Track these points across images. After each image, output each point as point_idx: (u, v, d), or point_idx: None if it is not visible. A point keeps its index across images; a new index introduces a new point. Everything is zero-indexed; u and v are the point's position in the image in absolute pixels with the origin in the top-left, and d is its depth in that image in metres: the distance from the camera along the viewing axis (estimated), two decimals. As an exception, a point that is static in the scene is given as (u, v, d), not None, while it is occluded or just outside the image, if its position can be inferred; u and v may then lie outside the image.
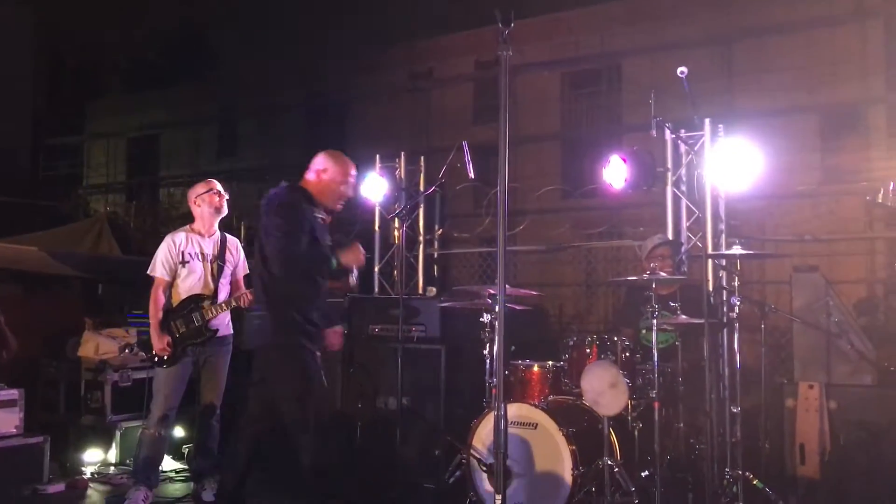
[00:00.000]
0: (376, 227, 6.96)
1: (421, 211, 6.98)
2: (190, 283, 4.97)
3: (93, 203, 18.21)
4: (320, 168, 4.35)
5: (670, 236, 5.61)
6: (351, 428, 5.51)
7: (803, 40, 13.04)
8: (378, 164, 6.89)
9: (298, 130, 17.71)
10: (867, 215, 12.00)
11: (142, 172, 20.47)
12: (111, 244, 9.59)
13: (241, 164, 17.95)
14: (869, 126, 13.25)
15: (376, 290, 6.86)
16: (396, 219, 6.55)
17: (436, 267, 7.24)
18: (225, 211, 5.16)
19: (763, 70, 13.27)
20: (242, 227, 9.31)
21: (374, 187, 6.69)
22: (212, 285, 5.00)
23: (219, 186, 5.15)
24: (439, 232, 7.29)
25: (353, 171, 4.51)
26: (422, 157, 7.06)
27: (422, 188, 6.91)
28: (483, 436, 4.51)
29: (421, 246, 6.97)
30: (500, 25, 2.24)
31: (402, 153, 6.94)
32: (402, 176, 6.88)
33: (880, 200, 3.09)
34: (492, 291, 4.78)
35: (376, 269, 6.90)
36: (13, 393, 5.37)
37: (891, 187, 3.08)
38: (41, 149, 20.96)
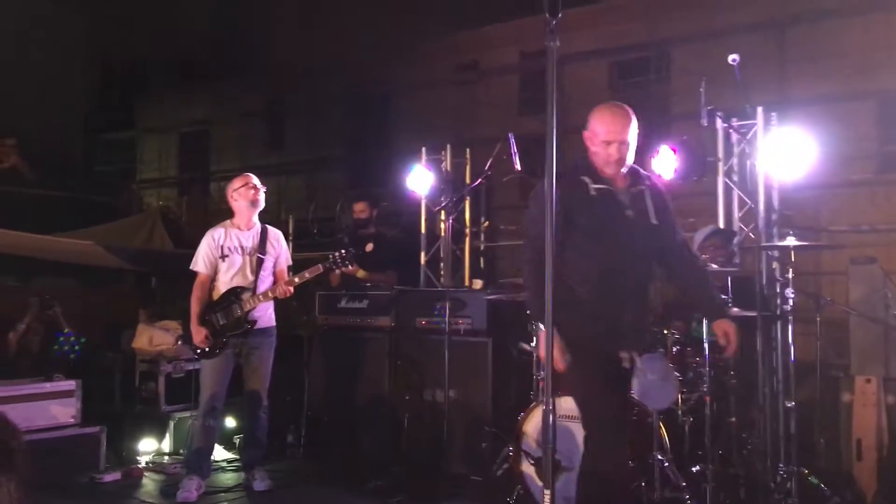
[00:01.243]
0: (422, 220, 6.96)
1: (467, 203, 6.97)
2: (230, 275, 5.06)
3: (146, 198, 18.58)
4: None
5: (722, 227, 5.51)
6: (399, 420, 5.54)
7: (859, 24, 12.62)
8: (424, 157, 6.90)
9: (344, 123, 17.81)
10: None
11: (193, 167, 20.81)
12: (164, 238, 9.78)
13: (288, 157, 18.12)
14: (929, 112, 12.80)
15: (422, 282, 6.87)
16: (442, 212, 6.56)
17: (482, 259, 7.23)
18: (261, 204, 5.21)
19: (817, 56, 12.90)
20: (291, 220, 9.41)
21: (420, 180, 6.70)
22: (251, 277, 5.07)
23: (255, 180, 5.21)
24: (485, 224, 7.28)
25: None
26: (467, 150, 7.04)
27: (468, 181, 6.90)
28: (530, 429, 4.49)
29: (467, 238, 6.96)
30: (546, 16, 2.20)
31: (448, 145, 6.93)
32: (448, 168, 6.87)
33: None
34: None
35: (422, 261, 6.91)
36: (70, 384, 5.52)
37: None
38: (95, 145, 21.42)
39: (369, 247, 6.39)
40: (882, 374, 4.51)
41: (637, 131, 3.42)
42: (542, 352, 3.30)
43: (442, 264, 6.79)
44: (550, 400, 2.39)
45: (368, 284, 6.15)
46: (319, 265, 5.03)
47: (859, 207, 10.78)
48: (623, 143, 3.37)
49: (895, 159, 12.66)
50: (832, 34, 12.93)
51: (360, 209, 6.70)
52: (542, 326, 3.45)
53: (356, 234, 6.57)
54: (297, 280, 5.00)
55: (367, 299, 6.03)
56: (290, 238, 9.09)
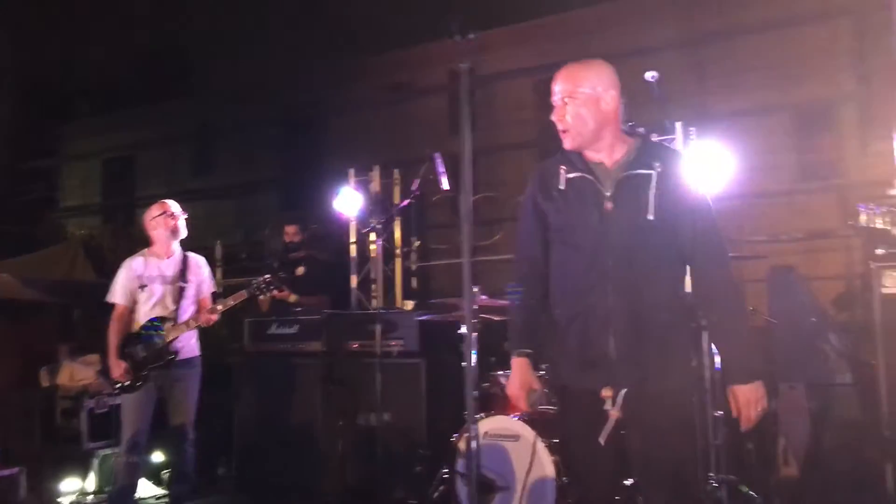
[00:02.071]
0: (352, 242, 6.90)
1: (397, 224, 6.94)
2: (150, 306, 4.91)
3: (69, 227, 18.01)
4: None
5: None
6: (333, 446, 5.44)
7: (773, 39, 13.11)
8: (352, 178, 6.85)
9: (275, 145, 17.61)
10: (842, 212, 12.10)
11: (118, 194, 20.30)
12: (86, 268, 9.47)
13: (218, 181, 17.82)
14: (841, 123, 13.33)
15: (354, 304, 6.80)
16: (372, 233, 6.52)
17: (415, 279, 7.19)
18: (182, 232, 5.08)
19: (734, 71, 13.33)
20: (218, 246, 9.20)
21: (348, 202, 6.64)
22: (172, 306, 4.93)
23: (173, 207, 5.09)
24: (417, 244, 7.25)
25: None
26: (395, 170, 7.02)
27: (397, 200, 6.87)
28: (465, 450, 4.45)
29: (398, 259, 6.93)
30: (457, 38, 2.20)
31: (377, 166, 6.90)
32: (377, 189, 6.84)
33: (862, 223, 3.08)
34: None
35: (353, 284, 6.84)
36: (-15, 425, 5.27)
37: (869, 207, 3.08)
38: (15, 173, 20.71)
39: (300, 270, 6.29)
40: (806, 381, 4.63)
41: (601, 80, 2.71)
42: (510, 388, 2.89)
43: (373, 286, 6.73)
44: (475, 428, 2.36)
45: (300, 309, 6.05)
46: (243, 291, 4.94)
47: (779, 216, 11.15)
48: (561, 104, 2.70)
49: (811, 169, 13.15)
50: (748, 50, 13.39)
51: (292, 232, 6.61)
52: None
53: (287, 257, 6.48)
54: (220, 308, 4.88)
55: (297, 324, 5.92)
56: (219, 264, 8.91)
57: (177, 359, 4.87)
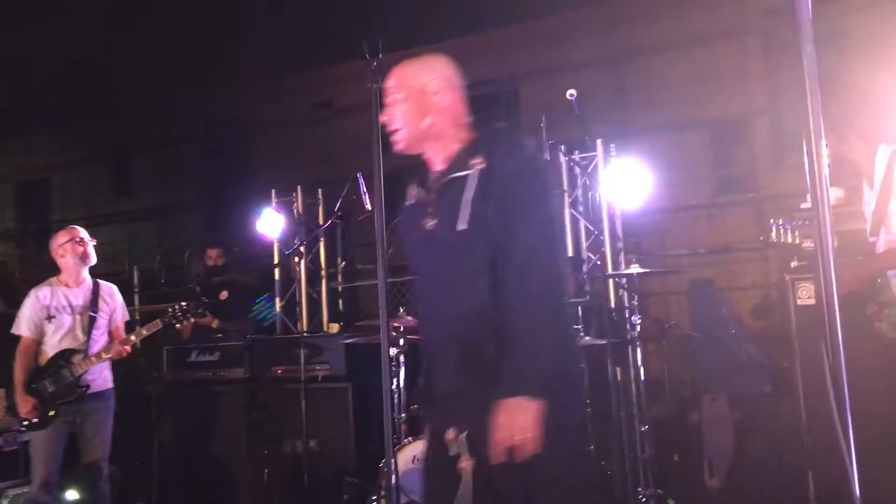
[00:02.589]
0: (276, 264, 6.76)
1: (322, 244, 6.83)
2: (58, 337, 4.69)
3: (-21, 253, 17.22)
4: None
5: (570, 255, 5.65)
6: (258, 476, 5.29)
7: (689, 56, 13.49)
8: (274, 199, 6.72)
9: (197, 166, 17.23)
10: (758, 224, 12.50)
11: (32, 218, 19.53)
12: (-6, 297, 9.03)
13: (137, 203, 17.32)
14: (754, 137, 13.80)
15: (278, 329, 6.65)
16: (296, 255, 6.39)
17: (341, 301, 7.08)
18: (92, 259, 4.86)
19: (653, 88, 13.66)
20: (135, 271, 8.89)
21: (271, 223, 6.51)
22: (82, 338, 4.72)
23: (82, 233, 4.87)
24: (342, 265, 7.15)
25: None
26: (319, 190, 6.92)
27: (321, 221, 6.77)
28: (388, 479, 4.36)
29: (324, 280, 6.81)
30: (367, 57, 2.15)
31: (299, 187, 6.79)
32: (300, 210, 6.72)
33: (773, 239, 3.15)
34: (396, 325, 4.68)
35: (277, 307, 6.69)
36: None
37: (779, 223, 3.16)
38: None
39: (224, 295, 6.14)
40: (727, 392, 4.71)
41: (430, 74, 2.42)
42: None
43: (298, 309, 6.60)
44: (392, 462, 2.30)
45: (221, 335, 5.88)
46: (158, 320, 4.75)
47: (698, 230, 11.43)
48: (390, 104, 2.43)
49: (728, 183, 13.55)
50: (665, 67, 13.75)
51: (214, 256, 6.43)
52: None
53: (209, 282, 6.29)
54: (133, 339, 4.68)
55: (218, 351, 5.75)
56: (137, 290, 8.62)
57: (88, 392, 4.65)
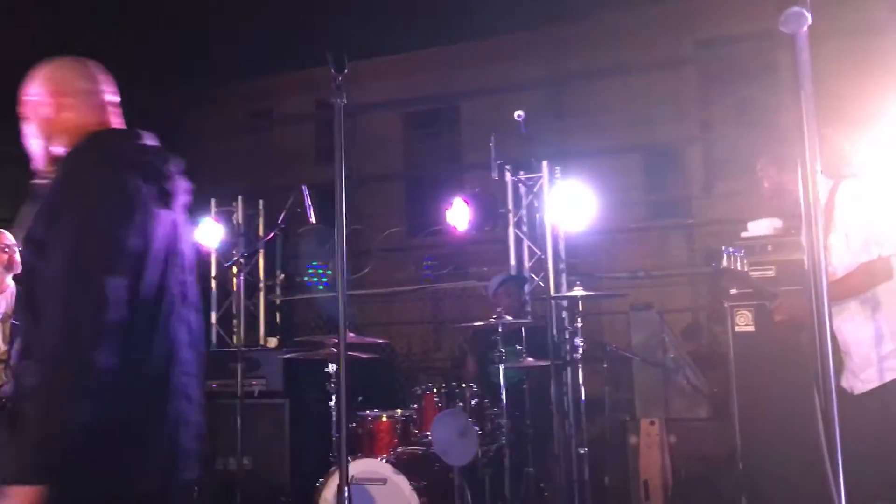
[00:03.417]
0: (213, 275, 6.59)
1: (261, 255, 6.70)
2: None
3: None
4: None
5: (513, 274, 5.67)
6: (188, 494, 5.12)
7: (626, 83, 13.80)
8: (213, 208, 6.56)
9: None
10: (689, 249, 12.83)
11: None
12: None
13: (63, 206, 16.70)
14: (686, 164, 14.17)
15: (214, 342, 6.48)
16: (234, 266, 6.25)
17: (279, 315, 6.95)
18: (18, 266, 4.64)
19: (591, 111, 13.91)
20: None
21: (210, 233, 6.35)
22: (3, 346, 4.50)
23: (8, 239, 4.66)
24: (281, 277, 7.02)
25: None
26: (260, 201, 6.79)
27: (261, 232, 6.64)
28: (329, 496, 4.28)
29: (262, 293, 6.67)
30: (332, 72, 2.12)
31: (240, 196, 6.65)
32: (240, 220, 6.58)
33: (725, 265, 3.21)
34: (335, 340, 4.60)
35: (213, 319, 6.52)
36: None
37: (730, 250, 3.21)
38: None
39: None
40: (664, 416, 4.78)
41: (43, 83, 2.07)
42: None
43: (235, 321, 6.44)
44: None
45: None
46: None
47: (634, 252, 11.65)
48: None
49: (661, 208, 13.88)
50: (603, 91, 14.03)
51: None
52: None
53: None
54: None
55: (150, 363, 5.56)
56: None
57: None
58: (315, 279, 5.82)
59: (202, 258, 6.60)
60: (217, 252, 6.53)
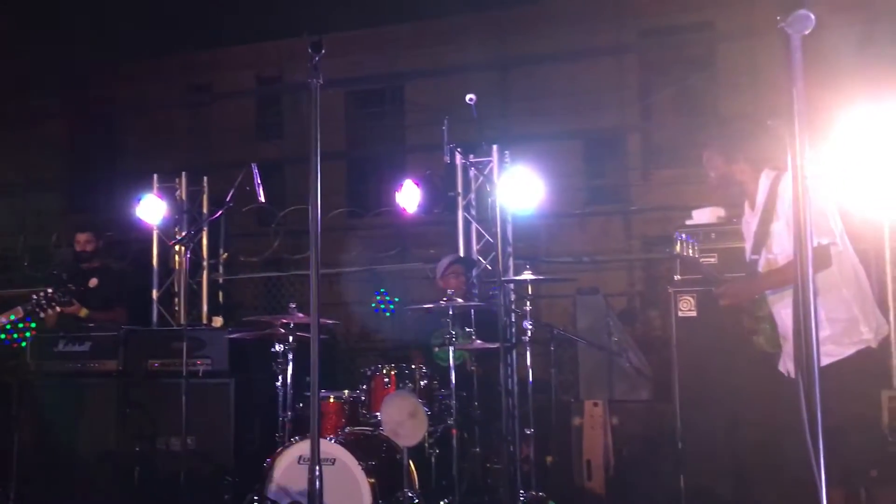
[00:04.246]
0: (155, 252, 6.46)
1: (204, 233, 6.59)
2: None
3: None
4: None
5: (462, 255, 5.70)
6: (128, 474, 5.04)
7: (570, 69, 13.94)
8: (156, 184, 6.42)
9: (61, 141, 16.19)
10: (626, 234, 13.09)
11: None
12: None
13: (-8, 179, 16.06)
14: (627, 152, 14.41)
15: (155, 320, 6.36)
16: (177, 244, 6.13)
17: (221, 293, 6.86)
18: None
19: (535, 96, 14.01)
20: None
21: (152, 209, 6.21)
22: None
23: None
24: (224, 256, 6.92)
25: None
26: (205, 177, 6.66)
27: (205, 209, 6.53)
28: (276, 475, 4.27)
29: (205, 271, 6.57)
30: (309, 51, 2.10)
31: (184, 173, 6.51)
32: (184, 197, 6.45)
33: (678, 251, 3.28)
34: (285, 321, 4.58)
35: (155, 297, 6.40)
36: None
37: (682, 237, 3.29)
38: None
39: (93, 282, 5.77)
40: (607, 397, 4.90)
41: None
42: None
43: (177, 300, 6.33)
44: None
45: (92, 325, 5.56)
46: (19, 308, 4.43)
47: (575, 237, 11.84)
48: None
49: (600, 194, 14.11)
50: (547, 77, 14.15)
51: (83, 240, 6.03)
52: None
53: (78, 268, 5.92)
54: (-10, 326, 4.34)
55: (89, 341, 5.44)
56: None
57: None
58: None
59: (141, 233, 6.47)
60: (159, 229, 6.39)
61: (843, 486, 3.36)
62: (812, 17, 1.28)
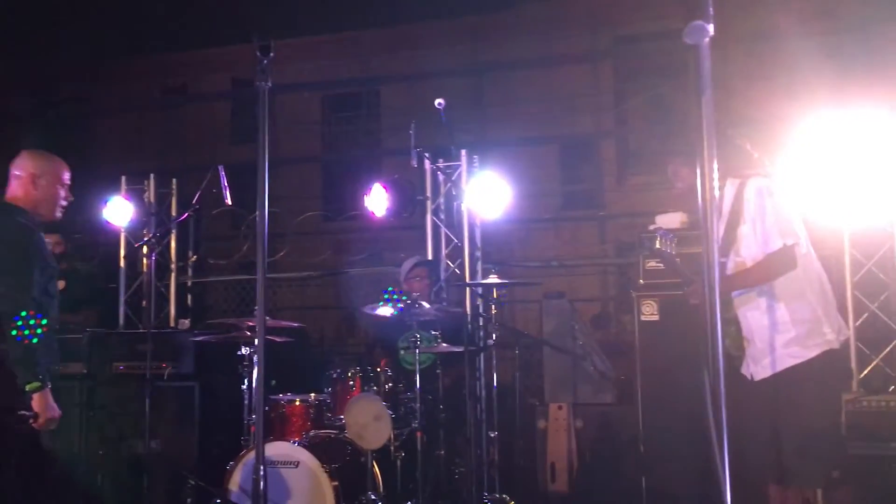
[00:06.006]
0: (122, 255, 6.42)
1: (173, 236, 6.55)
2: None
3: None
4: (35, 172, 3.83)
5: (427, 258, 5.72)
6: (91, 478, 5.00)
7: (545, 75, 14.01)
8: (124, 186, 6.38)
9: (30, 142, 15.97)
10: (600, 239, 13.18)
11: None
12: None
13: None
14: (601, 157, 14.51)
15: (122, 323, 6.32)
16: (145, 246, 6.09)
17: (189, 296, 6.81)
18: None
19: (510, 101, 14.07)
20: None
21: (120, 211, 6.17)
22: None
23: None
24: (193, 258, 6.89)
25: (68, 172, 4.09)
26: (174, 180, 6.63)
27: (174, 212, 6.49)
28: (239, 478, 4.26)
29: (173, 274, 6.53)
30: (258, 55, 2.11)
31: (152, 175, 6.48)
32: (152, 199, 6.42)
33: (658, 246, 3.32)
34: (251, 323, 4.57)
35: (122, 300, 6.36)
36: None
37: (663, 233, 3.33)
38: None
39: (60, 284, 5.73)
40: (571, 401, 4.94)
41: None
42: None
43: (144, 302, 6.29)
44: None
45: (57, 327, 5.50)
46: None
47: (548, 242, 11.91)
48: None
49: (574, 199, 14.20)
50: (521, 83, 14.22)
51: (53, 242, 5.99)
52: None
53: (43, 270, 5.87)
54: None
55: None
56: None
57: None
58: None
59: (108, 235, 6.42)
60: (126, 231, 6.35)
61: (803, 486, 3.42)
62: (707, 26, 1.32)
